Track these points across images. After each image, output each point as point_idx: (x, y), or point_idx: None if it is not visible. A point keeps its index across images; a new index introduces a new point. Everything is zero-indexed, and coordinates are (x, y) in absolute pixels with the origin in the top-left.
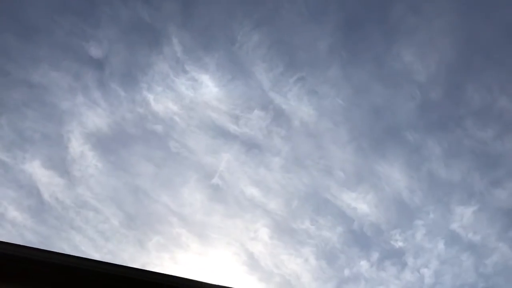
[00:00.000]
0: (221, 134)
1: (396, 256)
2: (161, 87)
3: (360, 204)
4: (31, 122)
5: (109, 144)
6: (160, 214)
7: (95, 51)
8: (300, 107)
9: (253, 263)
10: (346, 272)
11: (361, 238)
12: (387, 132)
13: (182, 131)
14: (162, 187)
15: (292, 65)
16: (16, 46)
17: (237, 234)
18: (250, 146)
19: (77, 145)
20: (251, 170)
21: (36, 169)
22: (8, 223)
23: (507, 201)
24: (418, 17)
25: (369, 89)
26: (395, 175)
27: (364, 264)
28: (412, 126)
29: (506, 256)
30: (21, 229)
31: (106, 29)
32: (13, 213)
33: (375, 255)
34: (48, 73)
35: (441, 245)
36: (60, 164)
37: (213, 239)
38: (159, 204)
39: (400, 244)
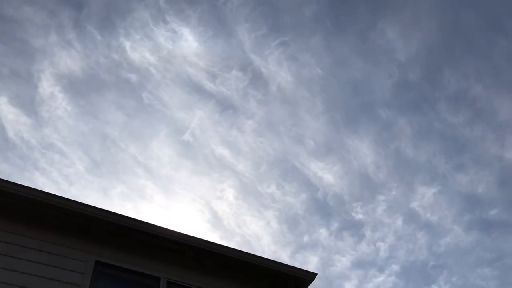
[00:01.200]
0: (197, 90)
1: (355, 228)
2: (139, 35)
3: (327, 174)
4: (1, 56)
5: (80, 88)
6: (126, 164)
7: None
8: (279, 72)
9: (216, 221)
10: (305, 238)
11: (323, 207)
12: (361, 107)
13: (157, 83)
14: (130, 137)
15: (275, 29)
16: None
17: (203, 192)
18: (225, 106)
19: (47, 86)
20: (223, 130)
21: (2, 105)
22: None
23: (467, 186)
24: None
25: (349, 62)
26: (364, 149)
27: (323, 232)
28: (387, 103)
29: (459, 238)
30: None
31: None
32: None
33: (335, 225)
34: (22, 7)
35: (399, 222)
36: (28, 103)
37: (178, 194)
38: (126, 154)
39: (360, 216)
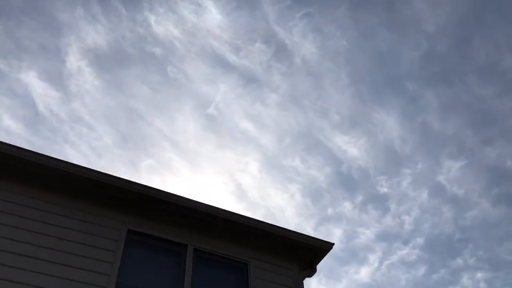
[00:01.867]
0: (221, 63)
1: (379, 201)
2: (164, 8)
3: (351, 147)
4: (29, 31)
5: (106, 62)
6: (153, 137)
7: None
8: (303, 44)
9: (240, 193)
10: (329, 211)
11: (347, 180)
12: (387, 79)
13: (181, 57)
14: (156, 111)
15: (300, 0)
16: None
17: (227, 165)
18: (249, 79)
19: (74, 60)
20: (247, 103)
21: (32, 80)
22: (1, 130)
23: (495, 160)
24: None
25: (375, 34)
26: (390, 123)
27: (347, 205)
28: (414, 76)
29: (485, 212)
30: (15, 138)
31: None
32: (8, 122)
33: (359, 198)
34: None
35: (424, 195)
36: (57, 77)
37: (204, 167)
38: (153, 127)
39: (385, 190)
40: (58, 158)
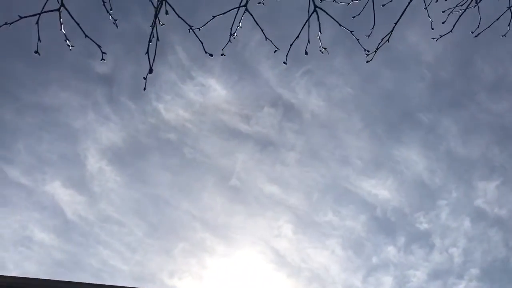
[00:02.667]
0: (234, 135)
1: (422, 239)
2: (170, 95)
3: (381, 190)
4: (47, 144)
5: (125, 157)
6: (182, 220)
7: (101, 68)
8: (309, 99)
9: (280, 260)
10: (374, 259)
11: (385, 224)
12: (400, 115)
13: (195, 137)
14: (181, 194)
15: (296, 60)
16: (24, 71)
17: (261, 233)
18: (264, 143)
19: (94, 162)
20: (267, 167)
21: (57, 189)
22: (36, 245)
23: None
24: None
25: (377, 75)
26: (413, 157)
27: (391, 250)
28: (425, 106)
29: None
30: (49, 249)
31: (109, 45)
32: (40, 235)
33: (401, 240)
34: (58, 94)
35: (467, 223)
36: (80, 182)
37: (238, 240)
38: (180, 211)
39: (425, 226)
40: (91, 262)
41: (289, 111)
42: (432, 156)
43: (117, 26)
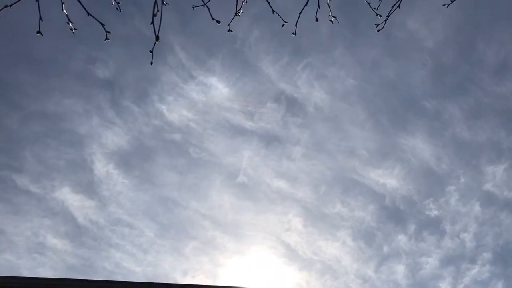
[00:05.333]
0: (239, 132)
1: (433, 225)
2: (172, 96)
3: (388, 179)
4: (54, 151)
5: (131, 160)
6: (192, 219)
7: (102, 72)
8: (312, 92)
9: (291, 253)
10: (386, 249)
11: (395, 213)
12: (404, 103)
13: (200, 136)
14: (189, 193)
15: (297, 53)
16: (27, 81)
17: (271, 228)
18: (269, 139)
19: (101, 166)
20: (273, 162)
21: (66, 195)
22: (49, 251)
23: None
24: None
25: (378, 65)
26: (419, 145)
27: (402, 238)
28: (429, 93)
29: None
30: (63, 255)
31: (109, 49)
32: (53, 241)
33: (411, 228)
34: (62, 101)
35: (477, 208)
36: (89, 187)
37: (248, 236)
38: (190, 210)
39: (435, 212)
40: (105, 265)
41: (292, 105)
42: (438, 142)
43: (120, 9)
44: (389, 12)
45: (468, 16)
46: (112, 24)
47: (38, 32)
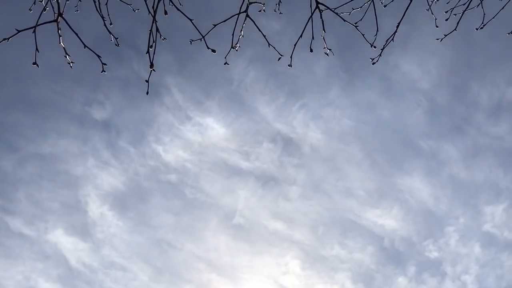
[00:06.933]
0: (235, 172)
1: (433, 267)
2: (168, 137)
3: (387, 220)
4: (48, 192)
5: (126, 201)
6: (187, 262)
7: (98, 114)
8: (307, 133)
9: None
10: None
11: (394, 254)
12: (400, 144)
13: (196, 176)
14: (184, 235)
15: (292, 94)
16: (23, 122)
17: (268, 270)
18: (265, 179)
19: (95, 208)
20: (270, 203)
21: (59, 238)
22: None
23: None
24: (408, 25)
25: (374, 105)
26: (417, 185)
27: (402, 281)
28: (424, 133)
29: None
30: None
31: (106, 91)
32: (44, 285)
33: (411, 269)
34: (57, 143)
35: (477, 249)
36: (82, 229)
37: (245, 279)
38: (185, 252)
39: (435, 254)
40: None
41: (288, 145)
42: (435, 182)
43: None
44: (383, 45)
45: (461, 57)
46: (110, 66)
47: (34, 63)
